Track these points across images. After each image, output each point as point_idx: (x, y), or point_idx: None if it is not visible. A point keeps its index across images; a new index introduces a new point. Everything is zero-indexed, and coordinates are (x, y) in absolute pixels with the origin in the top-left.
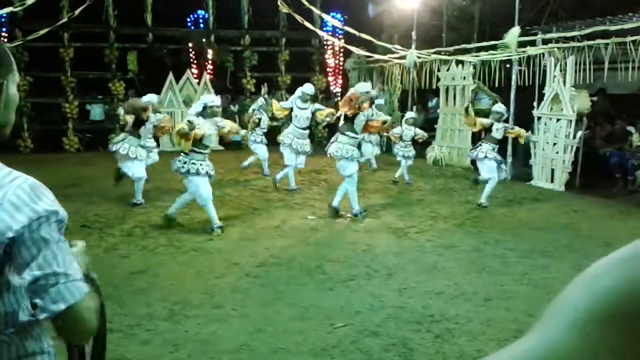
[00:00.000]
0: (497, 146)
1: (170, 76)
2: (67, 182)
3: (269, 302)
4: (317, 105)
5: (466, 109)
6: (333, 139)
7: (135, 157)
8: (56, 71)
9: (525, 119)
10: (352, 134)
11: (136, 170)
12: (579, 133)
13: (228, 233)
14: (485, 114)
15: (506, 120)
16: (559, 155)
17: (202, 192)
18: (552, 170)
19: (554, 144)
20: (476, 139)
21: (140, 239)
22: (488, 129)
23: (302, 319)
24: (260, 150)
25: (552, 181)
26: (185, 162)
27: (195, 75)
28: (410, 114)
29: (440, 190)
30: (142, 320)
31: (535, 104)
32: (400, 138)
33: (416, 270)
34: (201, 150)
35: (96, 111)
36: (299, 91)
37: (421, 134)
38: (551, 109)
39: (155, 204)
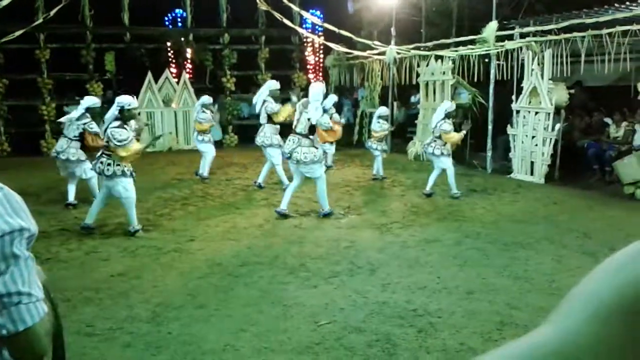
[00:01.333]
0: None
1: (149, 76)
2: (46, 185)
3: (252, 302)
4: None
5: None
6: (292, 143)
7: None
8: (32, 73)
9: (504, 113)
10: (313, 137)
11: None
12: (557, 126)
13: (210, 233)
14: (465, 108)
15: (470, 115)
16: (538, 148)
17: (132, 193)
18: (532, 163)
19: (533, 137)
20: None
21: (120, 241)
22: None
23: (285, 317)
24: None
25: (531, 174)
26: (121, 166)
27: (174, 75)
28: (382, 110)
29: (421, 186)
30: (123, 323)
31: (513, 97)
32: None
33: (399, 265)
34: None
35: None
36: (265, 90)
37: (388, 127)
38: (529, 102)
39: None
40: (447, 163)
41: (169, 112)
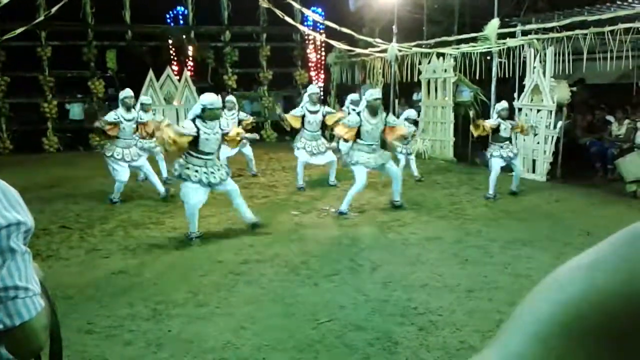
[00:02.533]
0: (505, 143)
1: (151, 74)
2: (48, 183)
3: (253, 299)
4: (327, 109)
5: (473, 120)
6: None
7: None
8: (34, 71)
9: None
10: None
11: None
12: (559, 123)
13: (212, 231)
14: (467, 105)
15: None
16: (540, 145)
17: (185, 199)
18: (534, 161)
19: (535, 135)
20: (459, 131)
21: (121, 238)
22: (495, 129)
23: (286, 315)
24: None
25: (533, 172)
26: (180, 166)
27: (175, 72)
28: (410, 113)
29: (423, 183)
30: (124, 320)
31: (515, 95)
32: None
33: (400, 263)
34: (198, 155)
35: (75, 110)
36: (306, 95)
37: (414, 129)
38: (531, 99)
39: (137, 202)
40: (495, 165)
41: (170, 109)
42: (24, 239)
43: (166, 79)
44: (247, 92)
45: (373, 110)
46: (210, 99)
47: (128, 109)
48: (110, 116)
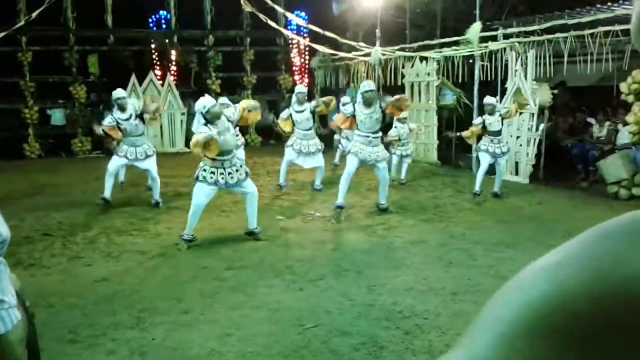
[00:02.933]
0: (498, 137)
1: (133, 78)
2: (29, 190)
3: (238, 306)
4: (313, 103)
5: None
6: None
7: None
8: (14, 76)
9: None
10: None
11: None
12: (541, 126)
13: (196, 236)
14: (450, 109)
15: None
16: (523, 148)
17: (193, 198)
18: (516, 163)
19: (517, 137)
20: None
21: (104, 245)
22: (483, 126)
23: (271, 321)
24: None
25: (516, 174)
26: (199, 168)
27: (158, 77)
28: (402, 114)
29: (407, 186)
30: (107, 329)
31: (498, 98)
32: (398, 139)
33: (385, 267)
34: (217, 157)
35: (57, 116)
36: (293, 97)
37: (415, 126)
38: (513, 102)
39: (120, 209)
40: (483, 160)
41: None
42: (0, 249)
43: (149, 84)
44: (230, 96)
45: (367, 102)
46: (203, 102)
47: (122, 109)
48: (107, 121)
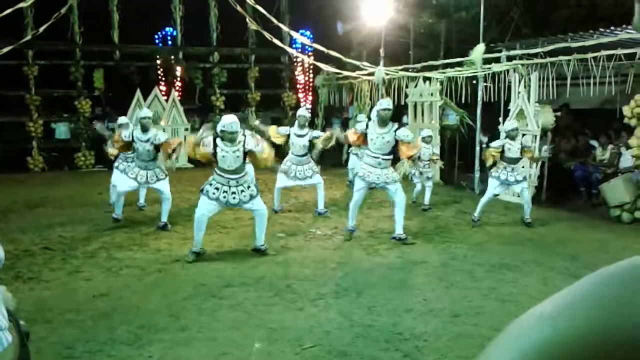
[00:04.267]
0: (514, 165)
1: (138, 93)
2: (31, 203)
3: (236, 324)
4: (314, 133)
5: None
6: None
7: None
8: (20, 89)
9: (491, 134)
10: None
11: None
12: (544, 147)
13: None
14: (453, 129)
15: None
16: (525, 169)
17: (196, 210)
18: None
19: (520, 159)
20: (445, 154)
21: (104, 260)
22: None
23: (270, 340)
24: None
25: (518, 196)
26: (207, 182)
27: (163, 93)
28: (426, 132)
29: (409, 206)
30: (104, 345)
31: (501, 119)
32: (418, 158)
33: (386, 287)
34: (221, 174)
35: (62, 130)
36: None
37: (436, 154)
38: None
39: (121, 223)
40: (490, 187)
41: (157, 129)
42: None
43: (154, 99)
44: (234, 112)
45: (382, 120)
46: (226, 121)
47: (144, 129)
48: (124, 134)
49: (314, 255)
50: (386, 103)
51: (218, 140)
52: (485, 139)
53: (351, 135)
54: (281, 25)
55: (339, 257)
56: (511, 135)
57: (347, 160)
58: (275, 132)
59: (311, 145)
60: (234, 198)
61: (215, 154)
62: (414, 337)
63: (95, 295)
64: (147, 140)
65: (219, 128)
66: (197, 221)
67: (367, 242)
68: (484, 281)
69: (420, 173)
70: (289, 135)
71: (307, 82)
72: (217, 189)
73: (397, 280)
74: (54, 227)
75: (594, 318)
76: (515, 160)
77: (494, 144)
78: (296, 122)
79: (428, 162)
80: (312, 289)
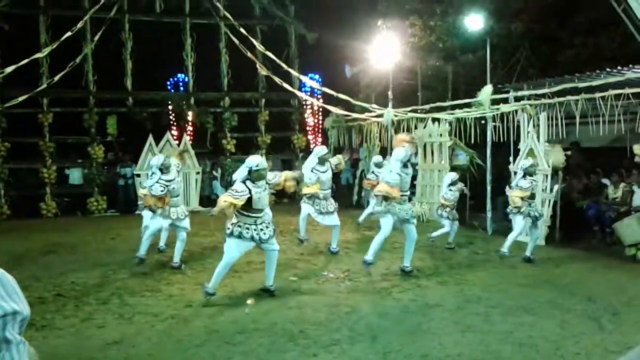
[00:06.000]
0: (532, 199)
1: (150, 138)
2: (44, 249)
3: None
4: (333, 161)
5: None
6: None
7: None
8: (35, 136)
9: (502, 174)
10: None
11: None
12: (556, 187)
13: (208, 298)
14: (463, 169)
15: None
16: (538, 209)
17: (225, 253)
18: None
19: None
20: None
21: (117, 307)
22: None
23: None
24: None
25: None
26: (232, 224)
27: (175, 137)
28: (451, 175)
29: (422, 247)
30: None
31: (511, 159)
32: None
33: (400, 332)
34: (249, 214)
35: (75, 175)
36: (314, 158)
37: (462, 187)
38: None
39: (134, 269)
40: (516, 223)
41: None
42: (20, 327)
43: (165, 144)
44: (245, 156)
45: (405, 164)
46: (256, 160)
47: (167, 170)
48: (157, 189)
49: (327, 299)
50: (410, 150)
51: (248, 184)
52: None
53: (385, 188)
54: (291, 70)
55: (353, 300)
56: (529, 172)
57: (357, 201)
58: (313, 187)
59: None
60: (264, 234)
61: (251, 197)
62: None
63: (109, 343)
64: (173, 179)
65: (247, 169)
66: (226, 264)
67: (381, 285)
68: (500, 325)
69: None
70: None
71: (317, 124)
72: (247, 229)
73: (411, 324)
74: (67, 274)
75: None
76: (532, 196)
77: (521, 183)
78: (315, 161)
79: (454, 204)
80: (325, 334)
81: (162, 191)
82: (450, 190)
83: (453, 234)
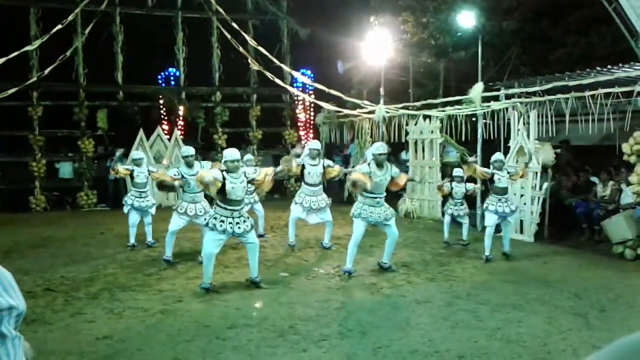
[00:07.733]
0: (504, 195)
1: (141, 133)
2: (33, 243)
3: None
4: (327, 162)
5: (465, 161)
6: (368, 205)
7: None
8: (24, 129)
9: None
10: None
11: None
12: (545, 184)
13: (198, 294)
14: (454, 166)
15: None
16: (527, 206)
17: (204, 247)
18: (521, 222)
19: (521, 196)
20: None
21: (106, 301)
22: (490, 179)
23: None
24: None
25: (521, 232)
26: (209, 216)
27: (166, 132)
28: (457, 171)
29: (412, 244)
30: None
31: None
32: (450, 195)
33: (390, 328)
34: (226, 206)
35: (65, 169)
36: (306, 149)
37: (473, 188)
38: (517, 161)
39: (124, 263)
40: (489, 220)
41: (159, 168)
42: (15, 322)
43: (156, 138)
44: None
45: (379, 164)
46: (228, 153)
47: (189, 165)
48: (172, 172)
49: (317, 295)
50: (382, 148)
51: (225, 174)
52: (472, 159)
53: (358, 176)
54: (282, 65)
55: (343, 296)
56: (497, 167)
57: (348, 197)
58: (294, 166)
59: (324, 171)
60: (239, 227)
61: (225, 186)
62: None
63: (99, 338)
64: (195, 174)
65: (223, 161)
66: (208, 256)
67: (370, 281)
68: (489, 321)
69: (453, 213)
70: (303, 166)
71: (308, 120)
72: (222, 221)
73: (401, 320)
74: (57, 268)
75: None
76: (504, 191)
77: (484, 169)
78: (307, 153)
79: (461, 200)
80: (315, 329)
81: (175, 175)
82: (457, 186)
83: (465, 231)
